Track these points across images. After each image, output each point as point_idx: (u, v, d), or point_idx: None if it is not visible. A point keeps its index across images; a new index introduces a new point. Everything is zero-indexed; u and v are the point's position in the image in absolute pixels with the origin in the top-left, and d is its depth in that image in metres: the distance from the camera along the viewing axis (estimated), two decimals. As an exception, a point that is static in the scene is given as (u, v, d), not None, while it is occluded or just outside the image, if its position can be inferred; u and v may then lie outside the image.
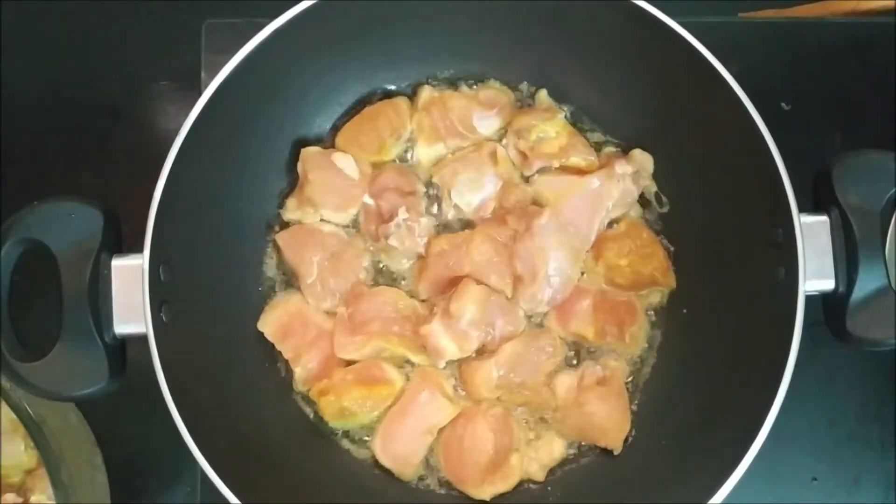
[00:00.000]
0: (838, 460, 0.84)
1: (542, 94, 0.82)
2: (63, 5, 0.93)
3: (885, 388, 0.85)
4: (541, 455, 0.75)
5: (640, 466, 0.75)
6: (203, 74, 0.85)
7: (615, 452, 0.75)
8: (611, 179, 0.78)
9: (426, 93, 0.81)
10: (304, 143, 0.80)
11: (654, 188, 0.80)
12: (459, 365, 0.77)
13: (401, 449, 0.75)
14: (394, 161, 0.82)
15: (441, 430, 0.76)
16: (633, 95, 0.79)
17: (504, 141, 0.81)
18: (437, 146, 0.81)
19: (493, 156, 0.79)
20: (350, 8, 0.72)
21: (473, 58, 0.82)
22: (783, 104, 0.89)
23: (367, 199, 0.79)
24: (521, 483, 0.76)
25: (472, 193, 0.79)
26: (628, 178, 0.78)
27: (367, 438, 0.77)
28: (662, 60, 0.72)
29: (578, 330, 0.77)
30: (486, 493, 0.75)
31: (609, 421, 0.75)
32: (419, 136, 0.81)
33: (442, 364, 0.76)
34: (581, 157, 0.79)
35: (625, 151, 0.81)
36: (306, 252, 0.77)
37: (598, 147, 0.82)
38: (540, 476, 0.76)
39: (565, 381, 0.76)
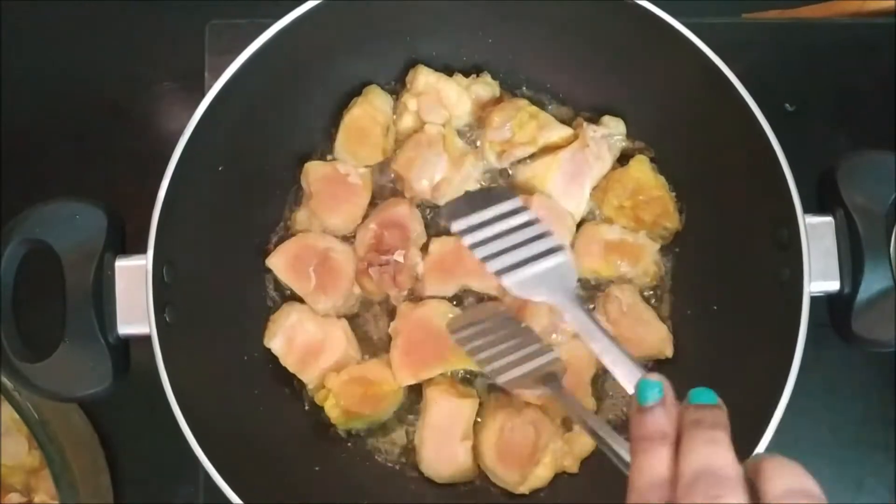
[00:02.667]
0: (842, 463, 0.84)
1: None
2: (65, 5, 0.93)
3: (890, 391, 0.85)
4: (574, 447, 0.75)
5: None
6: (206, 75, 0.85)
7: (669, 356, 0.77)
8: (583, 149, 0.78)
9: (422, 77, 0.80)
10: (308, 144, 0.81)
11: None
12: None
13: (449, 465, 0.75)
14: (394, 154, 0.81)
15: (480, 429, 0.76)
16: (636, 96, 0.79)
17: (481, 137, 0.81)
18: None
19: (440, 136, 0.79)
20: (357, 8, 0.72)
21: (481, 59, 0.82)
22: (787, 105, 0.89)
23: (373, 225, 0.78)
24: (555, 476, 0.75)
25: (430, 175, 0.78)
26: (602, 141, 0.78)
27: (370, 436, 0.78)
28: (666, 61, 0.72)
29: (592, 266, 0.78)
30: (525, 486, 0.74)
31: (650, 334, 0.77)
32: (403, 113, 0.81)
33: None
34: (555, 133, 0.79)
35: (625, 153, 0.81)
36: (299, 265, 0.77)
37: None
38: (574, 468, 0.75)
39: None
